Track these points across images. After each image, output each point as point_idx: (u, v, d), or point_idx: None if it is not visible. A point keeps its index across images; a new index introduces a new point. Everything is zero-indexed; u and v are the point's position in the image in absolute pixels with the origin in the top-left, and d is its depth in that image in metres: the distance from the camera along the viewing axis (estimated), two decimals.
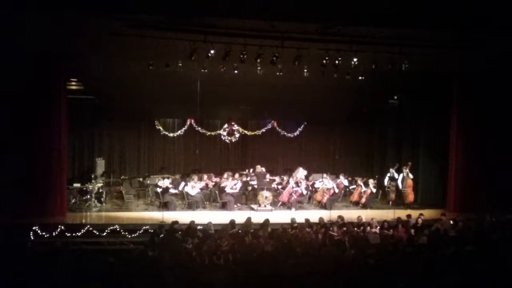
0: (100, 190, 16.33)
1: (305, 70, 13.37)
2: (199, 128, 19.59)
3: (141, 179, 18.16)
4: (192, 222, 12.54)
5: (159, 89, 16.10)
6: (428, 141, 17.59)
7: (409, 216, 13.81)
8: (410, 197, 16.97)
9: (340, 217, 13.46)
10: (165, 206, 15.60)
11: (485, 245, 10.59)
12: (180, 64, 12.89)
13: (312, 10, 10.40)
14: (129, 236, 13.13)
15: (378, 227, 12.84)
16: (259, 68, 13.04)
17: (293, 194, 16.45)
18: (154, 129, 19.49)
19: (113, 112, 18.44)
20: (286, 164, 20.13)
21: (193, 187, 16.03)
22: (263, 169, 17.18)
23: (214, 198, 16.60)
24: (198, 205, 16.02)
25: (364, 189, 17.03)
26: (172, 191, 15.92)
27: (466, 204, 15.82)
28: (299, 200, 16.53)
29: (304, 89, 15.89)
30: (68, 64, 14.23)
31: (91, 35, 11.71)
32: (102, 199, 16.30)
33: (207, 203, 16.49)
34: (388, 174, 17.56)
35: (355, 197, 17.29)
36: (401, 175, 17.12)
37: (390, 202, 17.19)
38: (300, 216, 13.91)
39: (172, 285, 7.69)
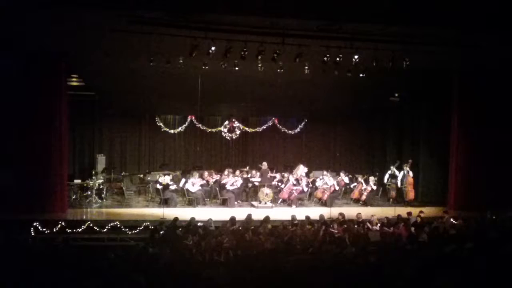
0: (101, 187, 16.36)
1: (306, 67, 13.37)
2: (200, 125, 19.60)
3: (141, 176, 18.18)
4: (193, 218, 12.59)
5: (160, 85, 16.10)
6: (428, 139, 17.60)
7: (409, 213, 13.83)
8: (411, 194, 16.97)
9: (340, 214, 13.47)
10: (165, 202, 15.61)
11: (485, 243, 10.59)
12: (181, 61, 12.90)
13: (313, 7, 10.40)
14: (130, 233, 13.15)
15: (379, 225, 12.85)
16: (260, 65, 13.04)
17: (293, 191, 16.46)
18: (155, 125, 19.50)
19: (114, 108, 18.46)
20: (287, 161, 20.15)
21: (194, 183, 16.05)
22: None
23: (215, 194, 16.61)
24: (199, 202, 16.04)
25: (364, 186, 17.03)
26: (172, 187, 15.94)
27: (466, 202, 15.82)
28: (299, 197, 16.54)
29: (305, 86, 15.88)
30: (69, 60, 14.23)
31: (92, 32, 11.70)
32: (102, 195, 16.33)
33: (208, 199, 16.51)
34: (389, 172, 17.58)
35: (355, 194, 17.28)
36: (402, 172, 17.13)
37: (391, 200, 17.21)
38: (301, 213, 13.92)
39: (172, 281, 7.70)
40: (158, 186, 15.89)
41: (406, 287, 7.35)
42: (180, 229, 11.99)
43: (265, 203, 15.96)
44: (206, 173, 17.19)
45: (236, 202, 16.17)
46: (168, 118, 19.66)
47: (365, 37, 11.82)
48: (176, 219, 12.64)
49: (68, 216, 14.20)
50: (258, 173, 17.09)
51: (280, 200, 16.67)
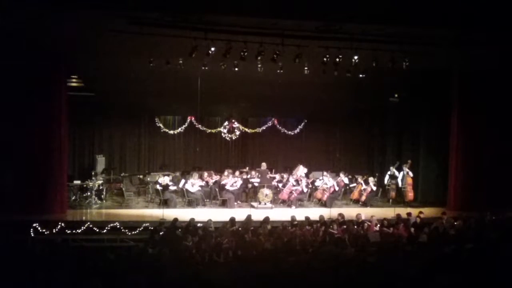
0: (101, 187, 16.34)
1: (306, 68, 13.36)
2: (200, 126, 19.60)
3: (141, 176, 18.17)
4: (192, 219, 12.57)
5: (159, 86, 16.10)
6: (428, 139, 17.59)
7: (409, 214, 13.83)
8: (410, 195, 16.97)
9: (340, 215, 13.47)
10: (165, 203, 15.60)
11: (485, 243, 10.59)
12: (181, 62, 12.89)
13: (312, 7, 10.39)
14: (129, 234, 13.13)
15: (378, 225, 12.84)
16: (259, 65, 13.03)
17: (293, 192, 16.45)
18: (155, 126, 19.51)
19: (114, 109, 18.45)
20: (286, 162, 20.10)
21: (193, 184, 16.04)
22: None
23: (214, 195, 16.58)
24: (198, 203, 16.02)
25: (364, 187, 17.02)
26: (172, 188, 15.93)
27: (466, 202, 15.81)
28: (299, 198, 16.52)
29: (305, 87, 15.87)
30: (69, 61, 14.23)
31: (92, 32, 11.70)
32: (102, 196, 16.31)
33: (207, 200, 16.49)
34: (389, 172, 17.57)
35: (355, 195, 17.26)
36: (401, 173, 17.13)
37: (390, 200, 17.21)
38: (300, 214, 13.92)
39: (171, 282, 7.69)
40: (158, 187, 15.88)
41: (406, 287, 7.35)
42: (179, 230, 11.98)
43: (265, 203, 15.95)
44: (205, 174, 17.18)
45: (235, 203, 16.16)
46: (167, 119, 19.66)
47: (364, 38, 11.81)
48: (175, 220, 12.63)
49: (67, 217, 14.17)
50: (257, 174, 17.09)
51: (280, 200, 16.66)
